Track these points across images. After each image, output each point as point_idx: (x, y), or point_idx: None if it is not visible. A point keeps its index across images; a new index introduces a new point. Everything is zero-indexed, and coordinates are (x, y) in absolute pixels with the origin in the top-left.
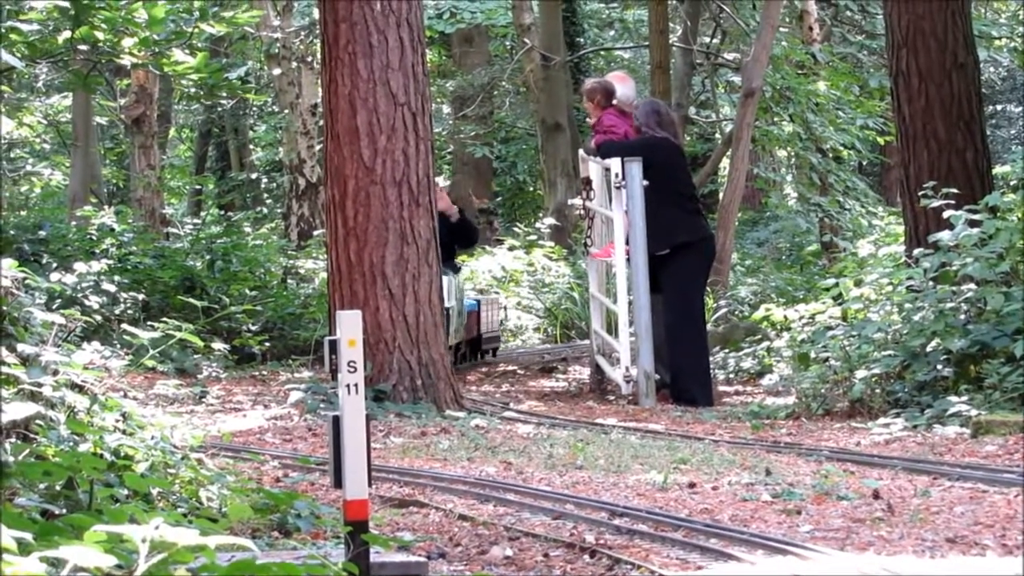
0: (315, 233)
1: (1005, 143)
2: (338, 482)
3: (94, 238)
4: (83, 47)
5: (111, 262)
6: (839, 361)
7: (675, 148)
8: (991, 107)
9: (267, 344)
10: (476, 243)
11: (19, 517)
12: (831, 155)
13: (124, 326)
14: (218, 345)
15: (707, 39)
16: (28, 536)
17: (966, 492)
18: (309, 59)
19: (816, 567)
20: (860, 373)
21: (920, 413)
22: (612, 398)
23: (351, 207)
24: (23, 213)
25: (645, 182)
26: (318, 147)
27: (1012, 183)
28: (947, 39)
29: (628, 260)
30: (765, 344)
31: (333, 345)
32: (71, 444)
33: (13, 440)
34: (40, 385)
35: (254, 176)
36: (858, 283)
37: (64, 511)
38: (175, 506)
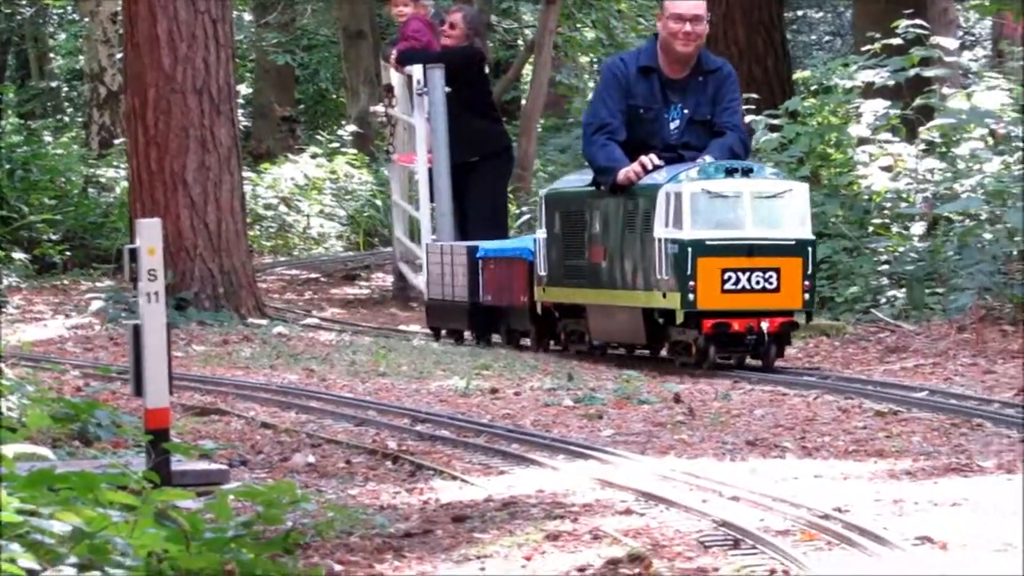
0: (116, 142)
1: (806, 48)
2: (139, 391)
3: None
4: None
5: None
6: None
7: (483, 58)
8: (792, 12)
9: (68, 254)
10: None
11: None
12: None
13: None
14: (18, 255)
15: None
16: None
17: (766, 395)
18: None
19: (617, 471)
20: None
21: None
22: (415, 305)
23: (151, 115)
24: None
25: (447, 89)
26: (119, 55)
27: (812, 88)
28: None
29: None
30: None
31: (133, 253)
32: None
33: None
34: None
35: (54, 85)
36: None
37: None
38: None
